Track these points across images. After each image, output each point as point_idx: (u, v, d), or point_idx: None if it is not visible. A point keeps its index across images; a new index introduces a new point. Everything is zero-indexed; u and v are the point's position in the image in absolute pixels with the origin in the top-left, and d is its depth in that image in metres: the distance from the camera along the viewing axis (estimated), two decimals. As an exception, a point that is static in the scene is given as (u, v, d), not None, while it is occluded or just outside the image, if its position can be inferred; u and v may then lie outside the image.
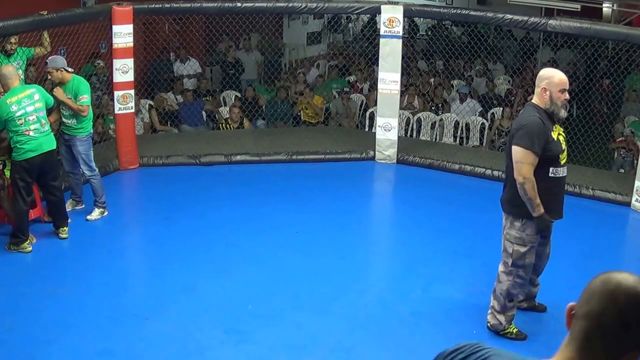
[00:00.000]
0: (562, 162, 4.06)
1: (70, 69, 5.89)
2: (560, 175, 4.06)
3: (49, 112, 5.63)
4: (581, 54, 11.69)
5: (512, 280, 4.21)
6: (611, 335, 1.33)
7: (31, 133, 5.26)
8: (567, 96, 3.99)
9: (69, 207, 6.08)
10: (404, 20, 7.61)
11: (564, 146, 4.06)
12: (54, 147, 5.48)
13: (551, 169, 4.01)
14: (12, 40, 6.25)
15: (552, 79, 3.95)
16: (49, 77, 6.01)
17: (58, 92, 5.76)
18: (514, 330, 4.35)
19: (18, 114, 5.21)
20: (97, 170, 6.08)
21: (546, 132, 3.94)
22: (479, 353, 1.58)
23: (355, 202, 6.71)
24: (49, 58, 5.90)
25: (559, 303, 4.89)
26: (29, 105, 5.28)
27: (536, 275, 4.54)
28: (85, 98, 5.77)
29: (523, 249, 4.13)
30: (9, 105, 5.19)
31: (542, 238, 4.25)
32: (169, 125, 9.00)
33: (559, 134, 4.04)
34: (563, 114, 3.99)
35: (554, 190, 4.05)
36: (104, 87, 8.52)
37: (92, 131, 6.09)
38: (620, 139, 8.99)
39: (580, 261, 5.50)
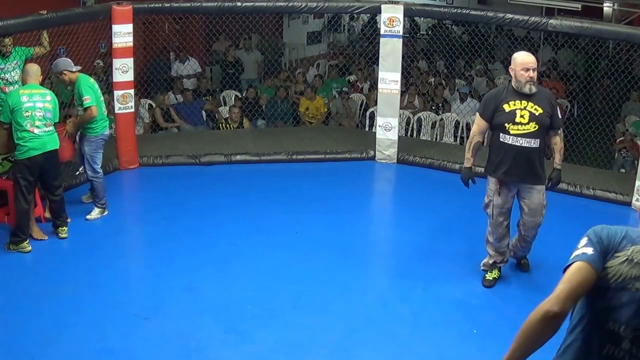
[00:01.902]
0: (513, 132, 4.62)
1: (74, 69, 5.87)
2: (509, 142, 4.64)
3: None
4: (582, 53, 11.69)
5: (487, 227, 4.96)
6: None
7: (35, 130, 5.27)
8: (531, 74, 4.55)
9: (87, 199, 6.28)
10: (404, 19, 7.61)
11: (519, 119, 4.60)
12: (57, 146, 5.49)
13: (501, 135, 4.68)
14: (7, 41, 6.23)
15: (515, 60, 4.62)
16: (58, 81, 6.06)
17: (69, 126, 5.95)
18: (489, 277, 5.04)
19: (26, 105, 5.26)
20: (101, 173, 6.07)
21: (496, 102, 4.67)
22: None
23: (355, 201, 6.70)
24: (52, 65, 5.94)
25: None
26: (39, 101, 5.35)
27: (524, 243, 5.04)
28: (88, 99, 5.76)
29: (487, 200, 4.91)
30: (20, 95, 5.30)
31: (519, 208, 4.92)
32: (172, 120, 9.00)
33: (520, 108, 4.61)
34: (527, 89, 4.58)
35: (503, 153, 4.68)
36: (103, 86, 8.51)
37: (105, 133, 6.03)
38: (620, 138, 8.99)
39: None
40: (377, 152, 7.82)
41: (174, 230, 5.88)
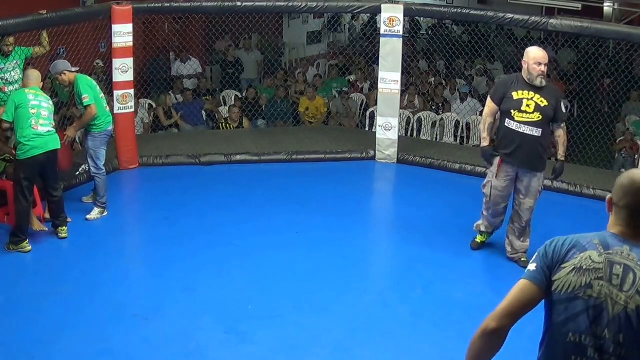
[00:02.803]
0: (518, 118, 4.97)
1: (73, 69, 5.90)
2: (514, 128, 4.99)
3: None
4: (582, 53, 11.68)
5: (482, 205, 5.37)
6: None
7: (39, 128, 5.29)
8: (542, 68, 4.91)
9: (88, 200, 6.30)
10: (405, 19, 7.60)
11: (525, 108, 4.94)
12: (59, 146, 5.50)
13: (506, 120, 5.03)
14: (10, 40, 6.25)
15: (528, 54, 4.99)
16: (58, 82, 6.06)
17: (70, 131, 5.97)
18: (478, 239, 5.54)
19: (33, 102, 5.31)
20: (104, 170, 6.09)
21: (507, 88, 5.04)
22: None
23: (355, 201, 6.70)
24: (51, 66, 5.94)
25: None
26: (44, 102, 5.42)
27: (517, 224, 5.26)
28: (87, 98, 5.78)
29: (486, 180, 5.29)
30: (27, 94, 5.35)
31: (515, 190, 5.21)
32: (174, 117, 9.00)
33: (528, 98, 4.95)
34: (538, 82, 4.93)
35: (509, 137, 5.04)
36: (103, 86, 8.51)
37: (109, 129, 6.08)
38: (621, 138, 8.99)
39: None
40: (377, 152, 7.82)
41: (174, 230, 5.88)
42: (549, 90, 5.02)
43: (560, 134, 5.17)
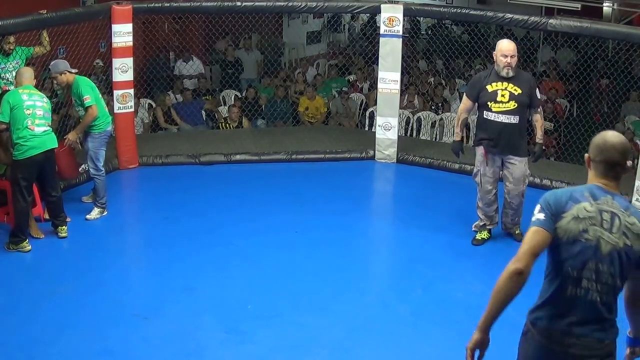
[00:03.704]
0: (495, 109, 5.29)
1: (73, 70, 5.90)
2: (492, 118, 5.32)
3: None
4: (581, 53, 11.69)
5: (477, 194, 5.62)
6: (616, 167, 2.61)
7: (35, 129, 5.28)
8: (508, 60, 5.20)
9: (87, 199, 6.31)
10: (405, 19, 7.60)
11: (500, 98, 5.26)
12: (56, 145, 5.51)
13: (484, 112, 5.36)
14: (11, 39, 6.26)
15: (497, 46, 5.30)
16: (55, 82, 6.04)
17: (71, 135, 5.93)
18: (478, 237, 5.69)
19: (27, 103, 5.29)
20: (103, 170, 6.09)
21: (480, 83, 5.36)
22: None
23: (355, 201, 6.70)
24: (51, 64, 5.93)
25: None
26: (38, 101, 5.38)
27: (510, 210, 5.59)
28: (88, 98, 5.78)
29: (475, 169, 5.62)
30: (21, 94, 5.31)
31: (503, 177, 5.53)
32: (173, 122, 9.00)
33: (502, 89, 5.26)
34: (504, 73, 5.25)
35: (489, 128, 5.35)
36: (103, 86, 8.52)
37: (108, 130, 6.08)
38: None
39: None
40: (376, 151, 7.82)
41: (174, 230, 5.88)
42: (521, 79, 5.32)
43: (538, 119, 5.50)
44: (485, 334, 2.61)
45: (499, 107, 5.29)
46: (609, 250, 2.53)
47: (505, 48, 5.24)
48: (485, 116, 5.38)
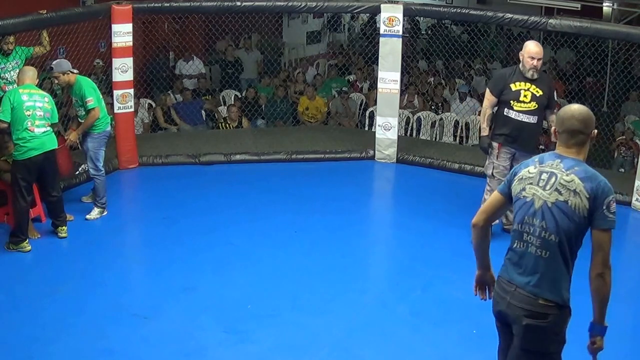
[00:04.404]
0: (517, 108, 5.43)
1: (75, 70, 5.89)
2: (512, 116, 5.46)
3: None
4: (580, 53, 11.69)
5: (485, 187, 5.72)
6: (579, 135, 2.81)
7: (35, 130, 5.27)
8: (535, 63, 5.35)
9: (87, 199, 6.30)
10: (405, 19, 7.60)
11: (523, 98, 5.41)
12: (56, 146, 5.50)
13: (505, 109, 5.49)
14: (11, 39, 6.25)
15: (525, 48, 5.41)
16: (56, 82, 6.04)
17: (72, 135, 5.94)
18: None
19: (27, 104, 5.27)
20: (103, 171, 6.09)
21: (504, 81, 5.49)
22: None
23: (355, 201, 6.70)
24: (54, 63, 5.93)
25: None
26: (38, 101, 5.36)
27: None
28: (91, 100, 5.78)
29: (487, 162, 5.71)
30: (21, 94, 5.29)
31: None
32: (173, 122, 9.00)
33: (524, 89, 5.41)
34: (529, 75, 5.39)
35: (508, 125, 5.49)
36: (103, 86, 8.52)
37: (107, 130, 6.07)
38: (621, 137, 8.99)
39: (580, 261, 5.48)
40: (376, 151, 7.82)
41: (174, 230, 5.88)
42: (543, 81, 5.51)
43: (553, 119, 5.54)
44: (481, 269, 3.14)
45: (520, 107, 5.43)
46: (539, 206, 2.80)
47: (533, 51, 5.36)
48: (505, 113, 5.50)
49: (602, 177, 2.78)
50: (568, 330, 2.89)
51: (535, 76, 5.41)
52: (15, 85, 6.04)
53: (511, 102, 5.46)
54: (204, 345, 4.19)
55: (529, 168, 2.88)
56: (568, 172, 2.76)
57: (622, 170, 8.66)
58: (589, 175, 2.75)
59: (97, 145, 5.98)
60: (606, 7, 12.66)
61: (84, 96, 5.77)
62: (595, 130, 2.89)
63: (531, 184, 2.84)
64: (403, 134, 8.78)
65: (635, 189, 6.60)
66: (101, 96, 6.04)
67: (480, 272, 3.14)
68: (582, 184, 2.72)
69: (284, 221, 6.09)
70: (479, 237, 3.04)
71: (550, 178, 2.79)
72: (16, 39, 6.47)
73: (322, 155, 7.84)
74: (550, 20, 6.84)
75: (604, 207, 2.71)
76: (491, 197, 3.03)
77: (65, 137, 5.96)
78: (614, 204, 2.75)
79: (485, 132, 5.67)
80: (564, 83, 10.68)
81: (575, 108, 2.84)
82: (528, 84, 5.42)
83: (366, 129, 9.33)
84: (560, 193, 2.75)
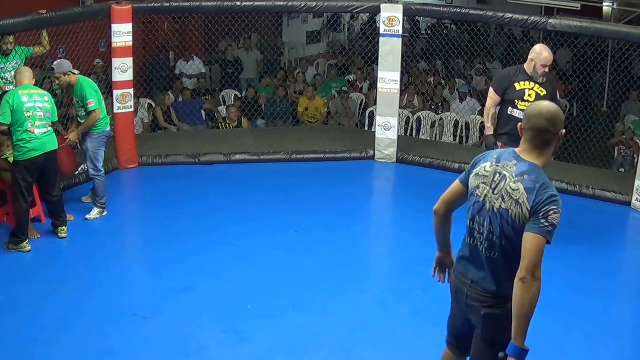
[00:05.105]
0: (521, 107, 5.35)
1: (76, 71, 5.89)
2: (516, 115, 5.37)
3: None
4: (581, 53, 11.67)
5: None
6: (544, 134, 2.74)
7: (35, 131, 5.27)
8: (546, 70, 5.38)
9: (87, 199, 6.30)
10: (405, 19, 7.60)
11: (527, 97, 5.39)
12: (56, 146, 5.50)
13: (509, 108, 5.50)
14: (10, 39, 6.25)
15: (539, 56, 5.37)
16: (57, 82, 6.03)
17: (72, 136, 5.93)
18: None
19: (27, 105, 5.25)
20: (103, 171, 6.08)
21: (509, 80, 5.51)
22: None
23: (354, 201, 6.70)
24: (55, 63, 5.92)
25: (559, 303, 4.90)
26: (38, 101, 5.34)
27: None
28: (92, 102, 5.77)
29: None
30: (20, 96, 5.27)
31: None
32: (172, 123, 9.00)
33: (529, 88, 5.42)
34: (541, 80, 5.42)
35: (512, 124, 5.35)
36: (102, 86, 8.52)
37: (107, 130, 6.06)
38: (620, 137, 9.00)
39: (580, 261, 5.50)
40: (376, 151, 7.82)
41: (174, 230, 5.88)
42: (547, 81, 5.50)
43: None
44: (441, 252, 3.26)
45: (524, 106, 5.37)
46: (489, 209, 2.81)
47: (545, 59, 5.35)
48: (509, 112, 5.51)
49: (551, 190, 2.68)
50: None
51: (544, 81, 5.46)
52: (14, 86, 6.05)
53: (515, 101, 5.47)
54: (204, 345, 4.20)
55: (486, 165, 2.86)
56: (517, 178, 2.71)
57: (622, 170, 8.66)
58: (537, 187, 2.66)
59: (97, 146, 5.98)
60: (606, 7, 12.65)
61: (85, 98, 5.77)
62: (564, 130, 2.80)
63: (485, 183, 2.84)
64: (403, 134, 8.78)
65: (635, 189, 6.60)
66: (102, 97, 6.04)
67: (441, 255, 3.25)
68: (526, 195, 2.66)
69: (284, 221, 6.09)
70: (439, 223, 3.16)
71: (500, 182, 2.77)
72: (16, 39, 6.47)
73: (322, 155, 7.84)
74: (550, 20, 6.85)
75: (541, 215, 2.63)
76: (452, 186, 3.06)
77: (65, 137, 5.96)
78: (555, 215, 2.65)
79: (490, 131, 5.69)
80: (563, 83, 10.67)
81: (544, 105, 2.78)
82: (532, 84, 5.45)
83: (366, 129, 9.33)
84: (504, 200, 2.73)
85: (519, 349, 2.64)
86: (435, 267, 3.32)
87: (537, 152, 2.75)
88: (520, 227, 2.68)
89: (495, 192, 2.77)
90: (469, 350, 3.08)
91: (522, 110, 5.36)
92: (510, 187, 2.72)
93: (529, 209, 2.65)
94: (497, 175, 2.79)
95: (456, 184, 3.03)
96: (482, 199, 2.84)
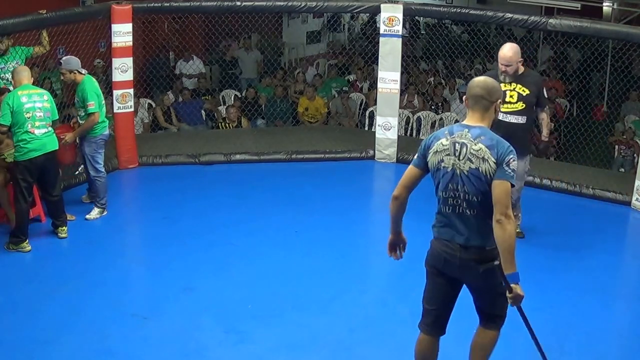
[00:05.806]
0: (503, 109, 5.20)
1: (83, 71, 5.87)
2: (501, 118, 5.14)
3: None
4: (587, 54, 11.68)
5: None
6: (482, 100, 3.19)
7: (35, 131, 5.27)
8: (504, 68, 5.23)
9: (87, 199, 6.28)
10: (404, 19, 7.60)
11: (509, 99, 5.28)
12: (57, 147, 5.49)
13: None
14: (4, 39, 6.23)
15: (500, 54, 5.31)
16: (62, 77, 6.01)
17: (69, 137, 5.89)
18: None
19: (27, 106, 5.25)
20: (103, 172, 6.07)
21: None
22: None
23: (355, 201, 6.70)
24: (64, 58, 5.90)
25: (559, 303, 4.89)
26: (38, 102, 5.33)
27: None
28: (93, 105, 5.76)
29: None
30: (20, 97, 5.26)
31: None
32: (172, 121, 9.01)
33: (510, 89, 5.28)
34: (501, 78, 5.25)
35: (496, 127, 5.41)
36: (102, 86, 8.51)
37: (105, 133, 6.03)
38: (621, 137, 8.99)
39: (580, 261, 5.49)
40: (376, 151, 7.82)
41: (174, 229, 5.88)
42: (529, 79, 5.35)
43: (544, 117, 5.54)
44: (394, 234, 3.61)
45: (507, 108, 5.29)
46: (459, 174, 3.18)
47: (503, 58, 5.24)
48: None
49: (505, 142, 3.14)
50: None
51: (507, 79, 5.26)
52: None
53: None
54: (204, 345, 4.20)
55: (442, 141, 3.22)
56: (476, 141, 3.13)
57: (622, 170, 8.66)
58: (494, 143, 3.11)
59: (95, 149, 5.95)
60: (606, 7, 12.65)
61: (86, 99, 5.75)
62: (500, 100, 3.23)
63: (448, 154, 3.20)
64: (403, 134, 8.78)
65: (635, 189, 6.60)
66: (103, 101, 6.02)
67: (393, 237, 3.61)
68: (489, 151, 3.10)
69: (284, 221, 6.09)
70: (398, 207, 3.48)
71: (462, 149, 3.16)
72: (16, 39, 6.46)
73: (322, 155, 7.84)
74: (550, 20, 6.84)
75: (504, 164, 3.07)
76: (408, 172, 3.38)
77: (62, 137, 5.92)
78: (514, 162, 3.10)
79: None
80: (564, 83, 10.67)
81: (481, 79, 3.26)
82: (513, 84, 5.29)
83: (366, 128, 9.32)
84: (471, 162, 3.13)
85: (513, 274, 3.10)
86: (390, 249, 3.67)
87: (479, 116, 3.20)
88: (489, 179, 3.10)
89: (461, 158, 3.16)
90: (444, 328, 3.58)
91: (505, 112, 5.28)
92: (473, 149, 3.13)
93: (495, 161, 3.08)
94: (457, 144, 3.17)
95: (411, 169, 3.38)
96: (450, 168, 3.20)
